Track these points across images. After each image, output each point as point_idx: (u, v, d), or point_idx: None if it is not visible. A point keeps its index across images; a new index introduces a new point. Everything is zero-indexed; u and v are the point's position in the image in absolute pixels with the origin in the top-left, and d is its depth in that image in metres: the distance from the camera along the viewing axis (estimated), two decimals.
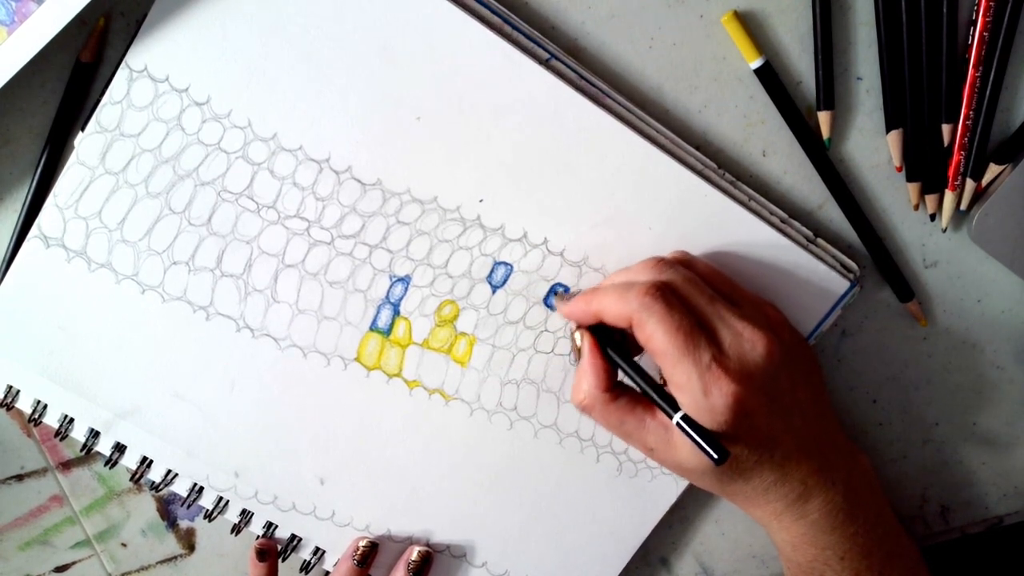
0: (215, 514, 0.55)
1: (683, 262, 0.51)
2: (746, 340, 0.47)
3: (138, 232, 0.50)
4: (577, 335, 0.50)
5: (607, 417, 0.49)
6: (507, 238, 0.53)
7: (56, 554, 0.58)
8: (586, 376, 0.49)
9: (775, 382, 0.48)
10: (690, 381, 0.46)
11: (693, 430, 0.46)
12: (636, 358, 0.50)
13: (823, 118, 0.53)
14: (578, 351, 0.50)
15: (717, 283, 0.50)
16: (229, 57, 0.49)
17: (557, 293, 0.54)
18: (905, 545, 0.53)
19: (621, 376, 0.50)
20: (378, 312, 0.53)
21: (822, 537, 0.50)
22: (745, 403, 0.46)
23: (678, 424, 0.46)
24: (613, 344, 0.49)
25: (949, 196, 0.55)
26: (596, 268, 0.53)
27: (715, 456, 0.45)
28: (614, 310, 0.48)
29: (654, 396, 0.47)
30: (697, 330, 0.46)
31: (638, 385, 0.48)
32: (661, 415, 0.49)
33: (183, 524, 0.58)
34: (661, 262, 0.49)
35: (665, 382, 0.48)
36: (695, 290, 0.48)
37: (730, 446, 0.47)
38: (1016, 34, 0.52)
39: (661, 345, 0.46)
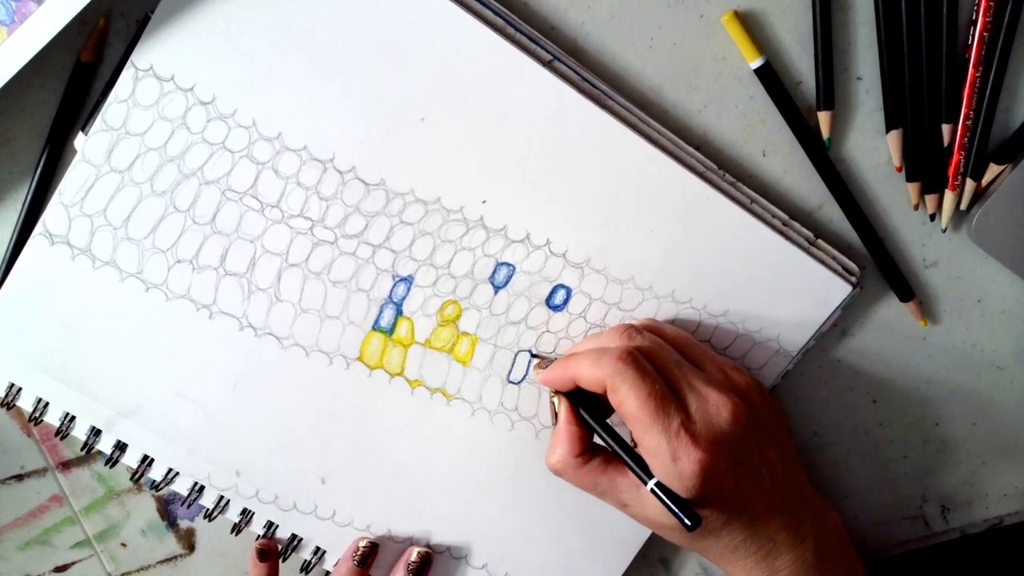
0: (215, 513, 0.55)
1: (651, 328, 0.53)
2: (711, 405, 0.49)
3: (143, 230, 0.50)
4: (555, 400, 0.52)
5: (580, 479, 0.51)
6: (510, 239, 0.53)
7: (56, 554, 0.57)
8: (561, 442, 0.51)
9: (742, 444, 0.49)
10: (659, 447, 0.47)
11: (666, 496, 0.47)
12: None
13: (823, 118, 0.53)
14: (556, 416, 0.52)
15: (684, 348, 0.52)
16: (234, 57, 0.49)
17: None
18: None
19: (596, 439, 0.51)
20: (381, 312, 0.53)
21: None
22: (712, 468, 0.47)
23: (652, 490, 0.48)
24: (589, 409, 0.51)
25: (949, 196, 0.55)
26: (598, 270, 0.53)
27: (688, 523, 0.46)
28: (589, 375, 0.49)
29: (628, 462, 0.49)
30: (668, 396, 0.48)
31: (612, 450, 0.50)
32: (632, 474, 0.50)
33: (183, 524, 0.58)
34: (631, 328, 0.51)
35: (635, 444, 0.49)
36: (664, 355, 0.50)
37: (699, 509, 0.48)
38: (1016, 34, 0.52)
39: (633, 411, 0.48)
